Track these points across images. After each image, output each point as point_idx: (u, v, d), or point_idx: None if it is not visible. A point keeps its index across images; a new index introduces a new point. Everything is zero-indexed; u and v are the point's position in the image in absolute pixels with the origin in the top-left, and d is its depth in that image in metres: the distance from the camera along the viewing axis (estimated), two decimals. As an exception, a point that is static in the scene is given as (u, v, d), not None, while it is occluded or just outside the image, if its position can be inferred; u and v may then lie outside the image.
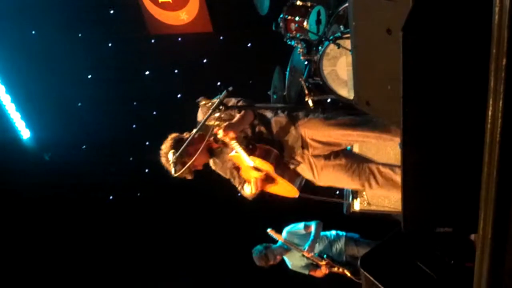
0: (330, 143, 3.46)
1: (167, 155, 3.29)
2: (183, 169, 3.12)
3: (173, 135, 3.48)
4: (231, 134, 3.15)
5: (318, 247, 5.35)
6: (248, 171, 3.52)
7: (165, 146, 3.41)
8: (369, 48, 2.18)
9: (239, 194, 3.77)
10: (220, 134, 3.12)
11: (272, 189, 3.63)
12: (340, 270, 5.23)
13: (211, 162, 3.69)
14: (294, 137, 3.45)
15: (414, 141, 1.89)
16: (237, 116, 3.34)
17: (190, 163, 3.13)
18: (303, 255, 5.29)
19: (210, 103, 2.98)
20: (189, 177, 3.34)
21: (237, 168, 3.61)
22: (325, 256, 5.26)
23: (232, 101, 3.38)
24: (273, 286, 6.68)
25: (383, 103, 2.24)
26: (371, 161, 3.64)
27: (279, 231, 5.47)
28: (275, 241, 5.52)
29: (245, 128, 3.42)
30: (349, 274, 5.17)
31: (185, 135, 3.46)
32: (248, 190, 3.53)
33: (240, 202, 3.98)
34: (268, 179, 3.49)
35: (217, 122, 3.04)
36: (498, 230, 1.65)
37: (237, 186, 3.73)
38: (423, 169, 1.93)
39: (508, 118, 1.50)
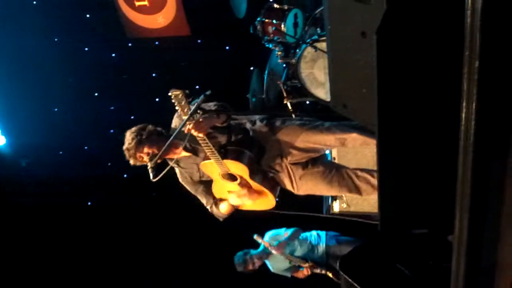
0: (308, 149, 3.42)
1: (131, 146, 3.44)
2: (161, 175, 3.12)
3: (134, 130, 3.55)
4: (204, 127, 3.02)
5: (300, 251, 5.36)
6: (221, 187, 3.49)
7: (129, 138, 3.51)
8: (344, 51, 2.19)
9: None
10: (193, 131, 2.99)
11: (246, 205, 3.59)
12: (323, 272, 5.25)
13: (179, 175, 3.63)
14: (271, 145, 3.42)
15: (389, 143, 1.90)
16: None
17: (165, 170, 3.15)
18: (286, 258, 5.31)
19: (183, 101, 2.85)
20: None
21: (206, 184, 3.58)
22: (308, 260, 5.28)
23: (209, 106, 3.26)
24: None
25: (360, 105, 2.26)
26: (349, 167, 3.63)
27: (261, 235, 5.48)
28: (257, 246, 5.52)
29: (220, 137, 3.34)
30: (331, 275, 5.19)
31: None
32: (224, 208, 3.54)
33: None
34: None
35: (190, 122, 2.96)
36: (473, 231, 1.67)
37: (204, 204, 3.66)
38: (399, 171, 1.95)
39: (481, 120, 1.51)
